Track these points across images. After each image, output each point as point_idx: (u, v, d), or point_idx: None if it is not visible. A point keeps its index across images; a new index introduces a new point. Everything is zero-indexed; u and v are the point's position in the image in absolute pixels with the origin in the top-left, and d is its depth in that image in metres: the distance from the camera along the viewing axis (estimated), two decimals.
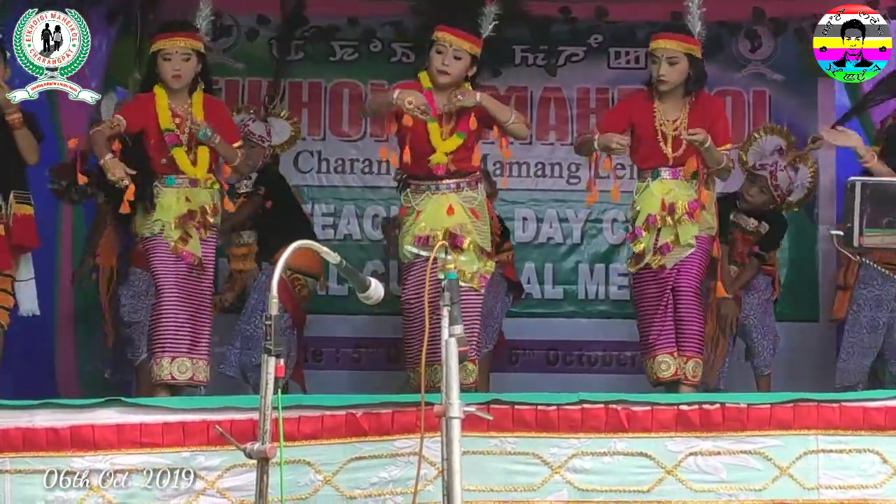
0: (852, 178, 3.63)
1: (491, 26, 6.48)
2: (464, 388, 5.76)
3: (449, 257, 4.23)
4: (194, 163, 6.45)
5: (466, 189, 6.39)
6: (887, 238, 3.69)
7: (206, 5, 6.65)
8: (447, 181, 6.35)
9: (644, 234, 6.51)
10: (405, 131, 6.31)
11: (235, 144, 6.61)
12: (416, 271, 6.27)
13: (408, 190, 6.46)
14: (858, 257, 5.90)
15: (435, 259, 6.08)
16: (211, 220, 6.50)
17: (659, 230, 6.48)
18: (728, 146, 6.60)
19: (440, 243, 4.42)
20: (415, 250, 6.18)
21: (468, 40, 6.40)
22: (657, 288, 6.52)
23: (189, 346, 6.45)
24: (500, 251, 7.70)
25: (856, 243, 3.62)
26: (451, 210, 6.30)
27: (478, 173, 6.53)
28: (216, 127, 6.46)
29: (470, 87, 6.39)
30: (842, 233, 3.63)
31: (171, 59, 6.46)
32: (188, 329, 6.45)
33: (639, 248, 6.54)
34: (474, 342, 6.38)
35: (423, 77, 6.43)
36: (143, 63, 7.52)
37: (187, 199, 6.43)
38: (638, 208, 6.58)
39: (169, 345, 6.42)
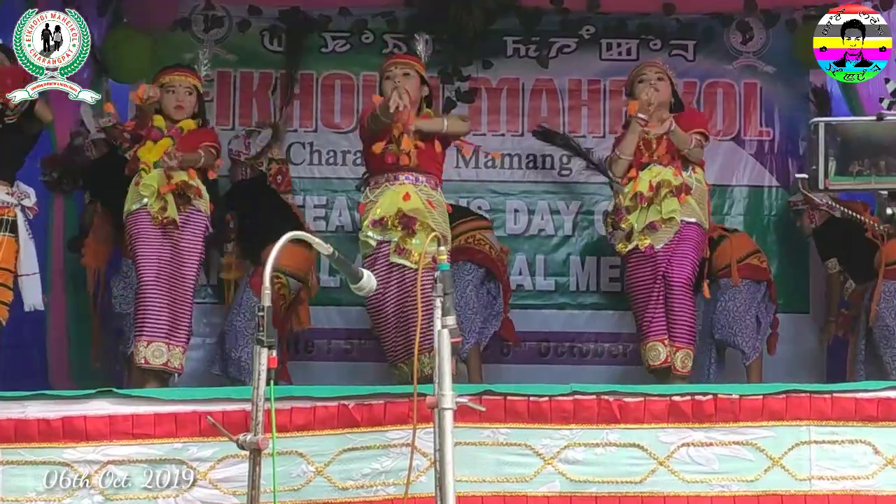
0: (815, 119, 3.63)
1: (427, 53, 6.72)
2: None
3: (442, 248, 4.22)
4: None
5: (425, 185, 6.48)
6: (857, 185, 3.67)
7: (206, 55, 7.20)
8: (406, 174, 6.45)
9: (631, 213, 6.70)
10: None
11: (203, 145, 6.75)
12: (381, 261, 6.34)
13: (366, 188, 6.60)
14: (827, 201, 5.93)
15: (388, 243, 6.26)
16: (191, 197, 6.59)
17: (648, 209, 6.60)
18: (700, 130, 6.82)
19: (433, 234, 4.43)
20: (371, 234, 6.29)
21: (411, 59, 6.66)
22: (648, 274, 6.64)
23: (167, 332, 6.51)
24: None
25: (821, 186, 3.60)
26: (406, 196, 6.40)
27: (439, 180, 6.61)
28: (197, 140, 6.73)
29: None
30: (807, 176, 3.61)
31: (176, 91, 6.78)
32: (167, 314, 6.51)
33: (626, 224, 6.73)
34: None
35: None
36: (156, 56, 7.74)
37: (168, 176, 6.55)
38: (626, 190, 6.78)
39: (147, 328, 6.49)
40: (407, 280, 6.34)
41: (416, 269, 6.20)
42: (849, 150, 3.58)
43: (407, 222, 6.33)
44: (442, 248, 4.27)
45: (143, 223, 6.55)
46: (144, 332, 6.49)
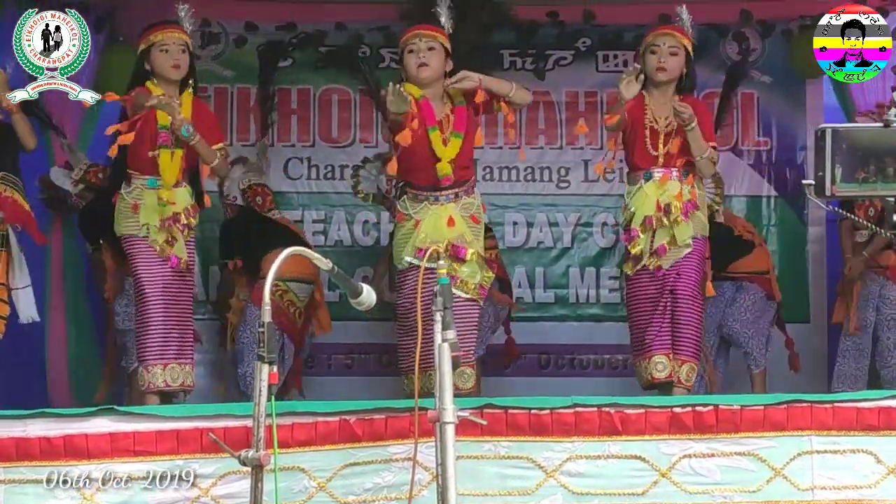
0: (822, 125, 3.64)
1: (450, 22, 6.37)
2: (463, 394, 5.81)
3: (441, 262, 4.22)
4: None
5: (464, 196, 6.31)
6: (863, 192, 3.68)
7: (186, 11, 6.59)
8: (447, 192, 6.25)
9: (641, 235, 6.47)
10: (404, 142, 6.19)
11: (216, 146, 6.55)
12: (413, 278, 6.23)
13: (405, 197, 6.36)
14: (844, 213, 5.92)
15: (427, 269, 6.12)
16: (193, 221, 6.47)
17: (655, 231, 6.47)
18: (712, 144, 6.57)
19: (432, 249, 4.43)
20: (416, 262, 6.13)
21: (435, 31, 6.34)
22: (655, 289, 6.47)
23: (177, 352, 6.44)
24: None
25: (828, 192, 3.61)
26: (451, 222, 6.20)
27: (473, 178, 6.46)
28: (198, 127, 6.40)
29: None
30: (814, 182, 3.61)
31: (169, 49, 6.43)
32: (175, 335, 6.44)
33: (636, 249, 6.48)
34: (472, 351, 6.41)
35: (412, 88, 6.26)
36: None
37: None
38: (632, 209, 6.54)
39: (160, 351, 6.40)
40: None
41: (465, 297, 6.15)
42: (855, 156, 3.59)
43: (457, 252, 6.16)
44: (441, 262, 4.27)
45: (145, 251, 6.39)
46: (159, 356, 6.39)
